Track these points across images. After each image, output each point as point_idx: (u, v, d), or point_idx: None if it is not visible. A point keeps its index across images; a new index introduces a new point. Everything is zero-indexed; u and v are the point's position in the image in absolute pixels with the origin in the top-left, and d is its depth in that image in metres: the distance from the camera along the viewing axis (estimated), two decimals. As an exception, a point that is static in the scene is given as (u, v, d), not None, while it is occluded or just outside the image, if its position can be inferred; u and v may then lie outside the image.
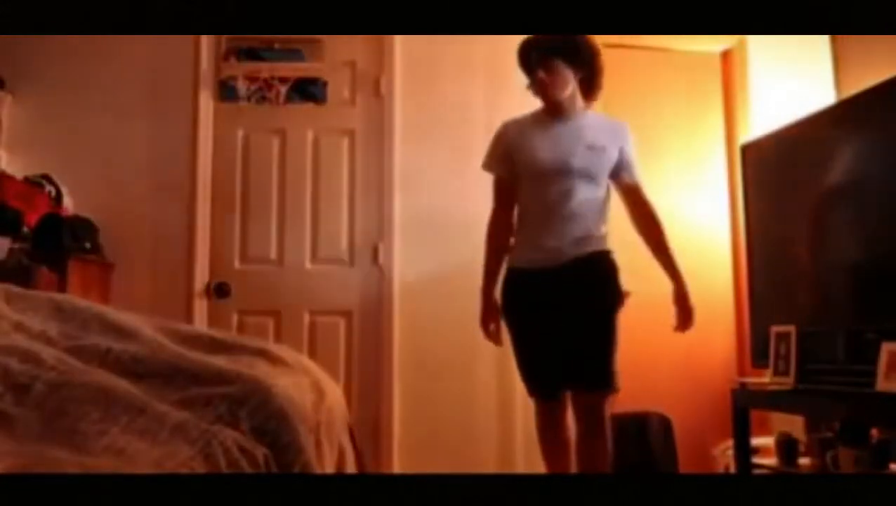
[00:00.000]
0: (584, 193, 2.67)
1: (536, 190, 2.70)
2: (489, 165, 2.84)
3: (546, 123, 2.75)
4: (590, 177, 2.68)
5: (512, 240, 2.81)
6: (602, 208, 2.76)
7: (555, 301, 2.64)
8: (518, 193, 2.77)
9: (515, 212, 2.80)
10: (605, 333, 2.63)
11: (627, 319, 3.81)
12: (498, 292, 2.80)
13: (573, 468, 2.66)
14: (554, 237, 2.67)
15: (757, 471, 2.96)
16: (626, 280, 3.80)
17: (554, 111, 2.74)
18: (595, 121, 2.81)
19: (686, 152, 4.04)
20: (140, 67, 3.78)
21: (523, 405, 3.71)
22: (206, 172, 3.76)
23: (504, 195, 2.80)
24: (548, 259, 2.67)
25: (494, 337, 2.80)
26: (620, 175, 2.79)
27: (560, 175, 2.66)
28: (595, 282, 2.69)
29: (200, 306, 3.69)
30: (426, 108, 3.84)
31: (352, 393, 3.61)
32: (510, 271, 2.78)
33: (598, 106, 3.90)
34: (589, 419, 2.60)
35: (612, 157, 2.74)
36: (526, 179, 2.72)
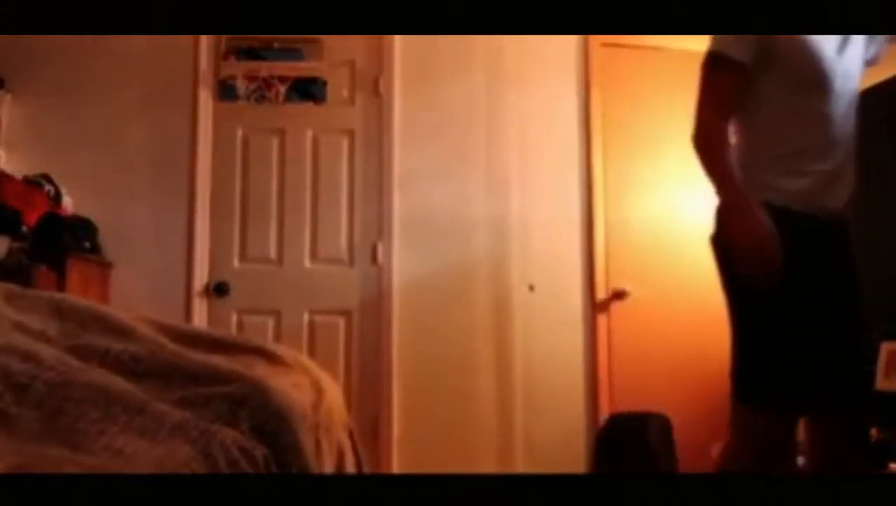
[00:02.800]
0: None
1: (812, 102, 1.85)
2: (728, 40, 1.89)
3: None
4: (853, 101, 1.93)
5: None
6: None
7: (843, 275, 1.86)
8: (758, 98, 1.89)
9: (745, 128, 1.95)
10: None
11: (627, 320, 3.84)
12: None
13: None
14: (839, 182, 1.85)
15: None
16: (625, 281, 3.83)
17: None
18: None
19: (685, 151, 4.01)
20: (139, 67, 3.78)
21: (523, 405, 3.74)
22: (205, 171, 3.75)
23: (730, 95, 1.91)
24: (830, 212, 1.84)
25: (774, 268, 1.74)
26: None
27: (846, 91, 1.89)
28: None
29: (200, 306, 3.69)
30: (425, 108, 3.84)
31: (351, 393, 3.61)
32: (774, 210, 1.80)
33: (597, 103, 3.92)
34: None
35: None
36: (792, 81, 1.85)
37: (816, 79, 1.84)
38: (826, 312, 1.79)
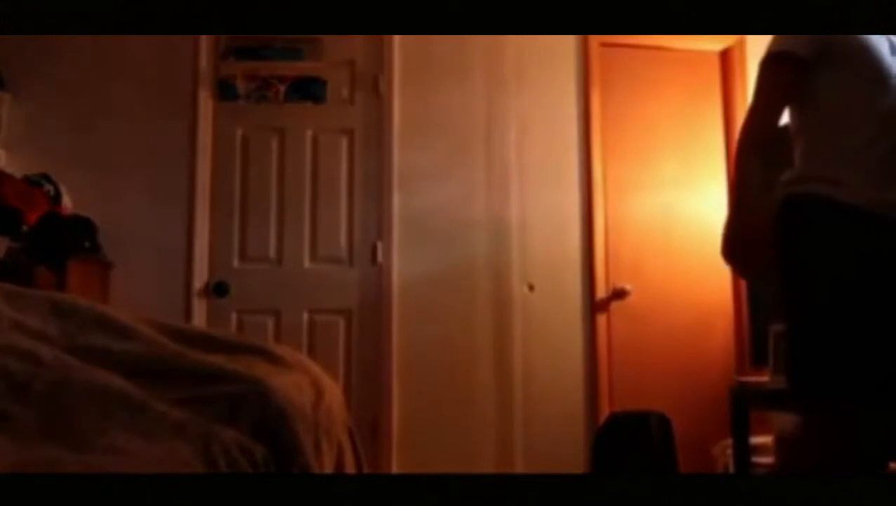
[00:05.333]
0: None
1: (873, 98, 1.84)
2: (784, 38, 1.91)
3: None
4: None
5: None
6: None
7: None
8: (821, 93, 1.89)
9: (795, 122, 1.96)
10: None
11: (627, 320, 3.84)
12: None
13: None
14: None
15: (757, 470, 2.96)
16: (624, 280, 3.83)
17: None
18: None
19: (685, 151, 4.04)
20: (139, 66, 3.78)
21: (523, 404, 3.74)
22: (205, 170, 3.75)
23: (786, 88, 1.90)
24: (893, 207, 1.79)
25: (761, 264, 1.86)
26: None
27: None
28: None
29: (199, 305, 3.69)
30: (425, 107, 3.85)
31: (351, 392, 3.61)
32: (835, 204, 1.80)
33: (596, 103, 3.93)
34: None
35: None
36: (853, 76, 1.86)
37: (877, 75, 1.84)
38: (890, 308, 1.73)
